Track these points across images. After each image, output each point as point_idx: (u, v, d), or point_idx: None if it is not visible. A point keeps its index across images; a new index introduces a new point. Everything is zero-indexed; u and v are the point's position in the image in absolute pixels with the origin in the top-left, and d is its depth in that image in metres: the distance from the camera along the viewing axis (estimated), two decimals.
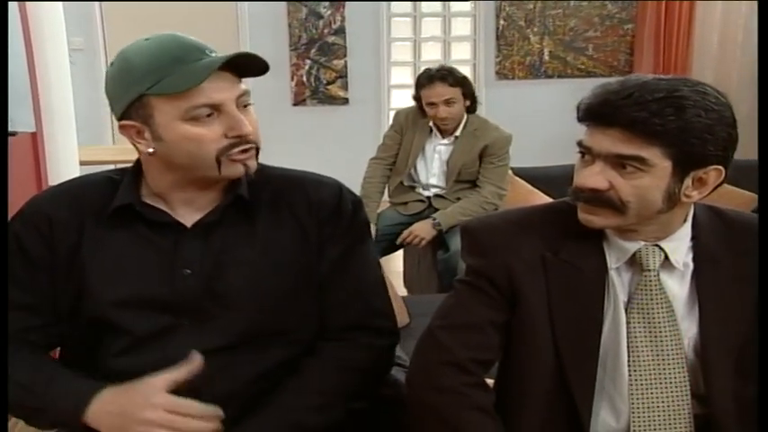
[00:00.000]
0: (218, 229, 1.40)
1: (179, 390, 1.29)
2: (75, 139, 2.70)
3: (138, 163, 1.44)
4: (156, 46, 1.31)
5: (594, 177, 1.25)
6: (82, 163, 2.89)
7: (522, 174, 4.07)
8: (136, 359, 1.36)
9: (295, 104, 6.18)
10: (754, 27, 6.08)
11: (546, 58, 6.24)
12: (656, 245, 1.32)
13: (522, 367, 1.37)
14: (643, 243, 1.32)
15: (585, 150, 1.28)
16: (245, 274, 1.39)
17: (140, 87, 1.29)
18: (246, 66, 1.34)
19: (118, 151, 5.06)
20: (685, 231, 1.34)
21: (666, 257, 1.32)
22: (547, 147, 6.17)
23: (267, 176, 1.45)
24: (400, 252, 4.05)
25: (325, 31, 6.11)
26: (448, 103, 3.61)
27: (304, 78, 6.15)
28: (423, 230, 3.63)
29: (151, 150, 1.34)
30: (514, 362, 1.40)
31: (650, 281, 1.32)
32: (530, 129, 5.71)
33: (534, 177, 4.08)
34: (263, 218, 1.42)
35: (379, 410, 1.50)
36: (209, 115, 1.30)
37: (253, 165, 1.37)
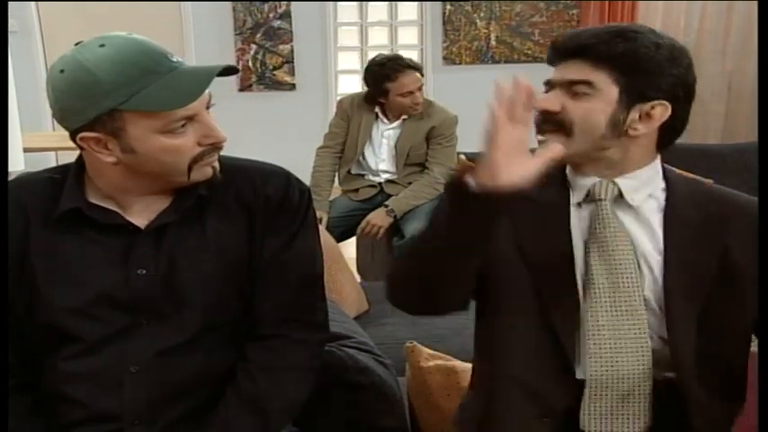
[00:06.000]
0: (171, 226, 1.37)
1: None
2: (18, 126, 2.60)
3: (79, 163, 1.38)
4: (118, 55, 1.24)
5: (548, 101, 1.38)
6: (25, 150, 2.78)
7: (473, 159, 4.07)
8: (89, 361, 1.33)
9: (241, 90, 6.06)
10: (695, 11, 6.23)
11: (493, 43, 6.25)
12: (612, 181, 1.40)
13: (504, 311, 1.41)
14: (598, 179, 1.40)
15: (547, 84, 1.42)
16: (198, 269, 1.37)
17: (111, 102, 1.24)
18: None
19: (60, 138, 4.92)
20: (646, 175, 1.40)
21: (621, 195, 1.38)
22: None
23: None
24: (353, 239, 4.03)
25: (271, 15, 6.01)
26: (420, 88, 3.70)
27: (250, 63, 6.05)
28: (378, 219, 3.63)
29: (114, 161, 1.30)
30: (495, 309, 1.43)
31: (603, 211, 1.39)
32: (477, 114, 5.67)
33: None
34: (212, 210, 1.39)
35: (352, 397, 1.49)
36: (183, 125, 1.28)
37: (218, 166, 1.36)
